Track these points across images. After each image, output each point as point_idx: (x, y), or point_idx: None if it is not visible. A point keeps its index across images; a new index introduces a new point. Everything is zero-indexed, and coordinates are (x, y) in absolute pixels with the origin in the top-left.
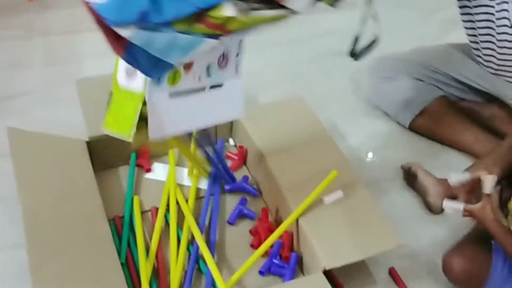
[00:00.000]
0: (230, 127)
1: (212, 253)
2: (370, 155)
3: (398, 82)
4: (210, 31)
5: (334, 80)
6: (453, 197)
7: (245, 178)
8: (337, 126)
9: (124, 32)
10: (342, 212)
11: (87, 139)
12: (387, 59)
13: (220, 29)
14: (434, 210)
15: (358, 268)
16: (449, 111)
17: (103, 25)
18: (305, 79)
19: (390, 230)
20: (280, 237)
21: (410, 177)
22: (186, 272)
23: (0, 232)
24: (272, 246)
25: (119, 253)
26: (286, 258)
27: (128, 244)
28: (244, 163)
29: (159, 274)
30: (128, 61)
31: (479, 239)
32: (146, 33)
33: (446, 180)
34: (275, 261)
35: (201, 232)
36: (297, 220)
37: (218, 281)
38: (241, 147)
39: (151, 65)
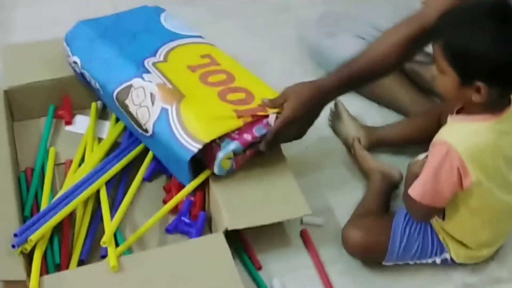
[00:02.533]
0: None
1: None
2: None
3: (339, 38)
4: None
5: (279, 34)
6: (378, 143)
7: None
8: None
9: None
10: (257, 178)
11: (5, 88)
12: (333, 14)
13: None
14: (354, 151)
15: (275, 231)
16: None
17: None
18: (252, 29)
19: (300, 198)
20: (193, 196)
21: (335, 117)
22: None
23: None
24: (183, 204)
25: (25, 206)
26: (195, 217)
27: (37, 197)
28: None
29: (63, 228)
30: None
31: (376, 211)
32: None
33: (368, 126)
34: (184, 219)
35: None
36: (209, 180)
37: (107, 228)
38: None
39: None
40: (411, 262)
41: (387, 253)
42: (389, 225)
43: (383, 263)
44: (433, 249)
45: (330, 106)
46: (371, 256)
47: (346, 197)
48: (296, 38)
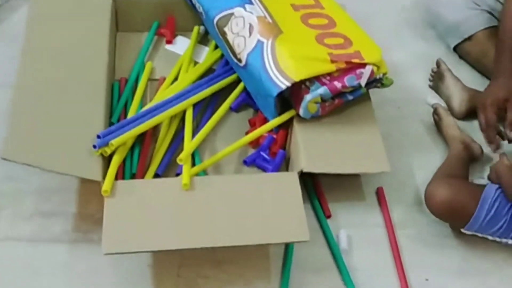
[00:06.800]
0: None
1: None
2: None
3: (455, 1)
4: None
5: None
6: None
7: None
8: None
9: None
10: (342, 128)
11: None
12: None
13: None
14: (456, 114)
15: (351, 183)
16: None
17: None
18: None
19: (382, 155)
20: (276, 134)
21: (437, 77)
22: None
23: None
24: (264, 139)
25: (113, 113)
26: (274, 154)
27: (126, 107)
28: None
29: (145, 140)
30: None
31: (459, 176)
32: None
33: (472, 89)
34: (263, 154)
35: (198, 110)
36: (293, 121)
37: (186, 147)
38: None
39: None
40: (490, 238)
41: (470, 220)
42: (478, 193)
43: (462, 230)
44: None
45: (432, 66)
46: (454, 218)
47: (426, 161)
48: None
